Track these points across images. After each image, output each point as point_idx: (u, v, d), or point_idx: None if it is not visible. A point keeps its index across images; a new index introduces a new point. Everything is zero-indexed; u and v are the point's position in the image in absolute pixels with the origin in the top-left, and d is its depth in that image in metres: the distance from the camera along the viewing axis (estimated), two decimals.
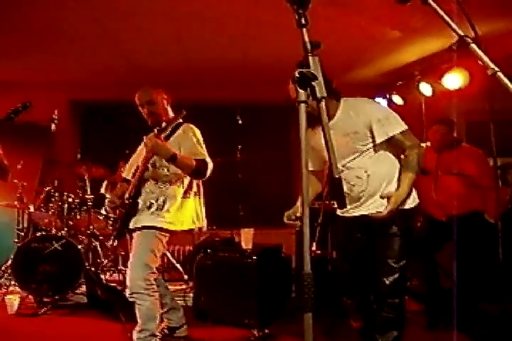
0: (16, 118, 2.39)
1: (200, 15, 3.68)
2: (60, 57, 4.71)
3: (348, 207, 2.22)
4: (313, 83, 1.03)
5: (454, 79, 4.04)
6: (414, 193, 2.35)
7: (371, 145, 2.23)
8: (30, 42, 4.26)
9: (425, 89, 4.51)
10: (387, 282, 2.24)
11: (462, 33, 1.02)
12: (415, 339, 3.06)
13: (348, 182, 2.24)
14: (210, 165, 2.65)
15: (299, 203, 2.33)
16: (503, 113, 3.12)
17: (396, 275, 2.24)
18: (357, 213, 2.28)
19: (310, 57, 1.05)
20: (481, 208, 3.34)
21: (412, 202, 2.31)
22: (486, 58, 0.96)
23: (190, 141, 2.65)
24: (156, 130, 2.66)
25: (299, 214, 2.31)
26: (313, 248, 3.46)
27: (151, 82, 5.14)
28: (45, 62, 4.85)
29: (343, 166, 2.26)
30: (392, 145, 2.24)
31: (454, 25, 1.04)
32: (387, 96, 4.95)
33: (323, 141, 1.92)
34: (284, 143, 5.75)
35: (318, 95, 1.04)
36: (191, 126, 2.76)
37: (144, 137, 2.56)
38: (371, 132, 2.19)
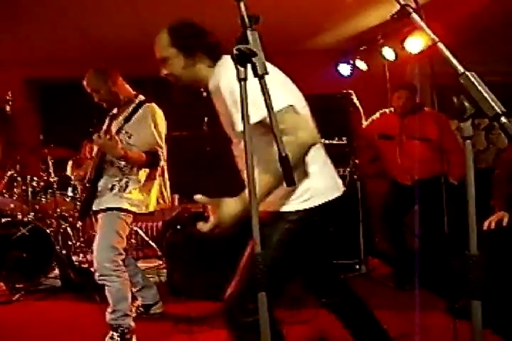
0: None
1: None
2: (13, 35, 4.47)
3: None
4: (253, 59, 1.00)
5: (416, 43, 4.03)
6: (306, 191, 1.61)
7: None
8: None
9: (388, 53, 4.48)
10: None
11: (403, 2, 1.00)
12: (385, 299, 3.17)
13: (237, 163, 1.76)
14: (163, 153, 2.66)
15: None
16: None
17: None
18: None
19: (249, 32, 1.01)
20: (445, 171, 3.41)
21: (298, 202, 1.60)
22: (426, 28, 0.95)
23: (148, 127, 2.59)
24: (108, 118, 2.61)
25: None
26: None
27: (110, 56, 4.99)
28: None
29: (234, 142, 1.73)
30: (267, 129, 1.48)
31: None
32: (351, 61, 4.91)
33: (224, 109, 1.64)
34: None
35: (259, 72, 1.01)
36: (153, 106, 2.67)
37: (94, 136, 2.49)
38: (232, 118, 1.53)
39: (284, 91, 1.52)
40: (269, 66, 1.47)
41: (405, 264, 3.48)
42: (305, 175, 1.61)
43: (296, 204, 1.61)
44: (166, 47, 1.69)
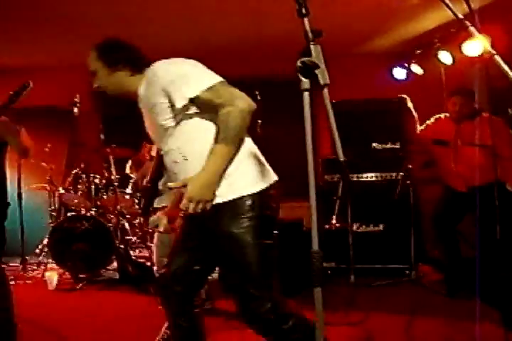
0: (17, 100, 2.26)
1: None
2: (81, 41, 4.74)
3: None
4: (315, 71, 1.07)
5: (474, 46, 3.94)
6: (249, 172, 1.66)
7: (179, 117, 1.65)
8: (50, 28, 4.36)
9: (445, 57, 4.40)
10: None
11: (461, 16, 1.04)
12: (434, 307, 3.15)
13: (171, 169, 1.78)
14: None
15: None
16: None
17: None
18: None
19: (312, 46, 1.09)
20: (502, 178, 3.33)
21: (245, 185, 1.63)
22: (484, 41, 0.99)
23: None
24: None
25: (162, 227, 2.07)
26: (333, 221, 3.54)
27: None
28: (66, 47, 4.94)
29: (164, 151, 1.79)
30: (208, 110, 1.62)
31: (453, 8, 1.06)
32: (406, 65, 4.86)
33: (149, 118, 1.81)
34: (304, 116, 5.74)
35: (321, 82, 1.09)
36: None
37: None
38: (170, 100, 1.62)
39: (211, 73, 1.65)
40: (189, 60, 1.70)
41: (457, 272, 3.43)
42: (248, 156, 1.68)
43: (249, 187, 1.64)
44: (93, 61, 1.84)
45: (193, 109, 1.63)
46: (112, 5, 3.85)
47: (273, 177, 1.75)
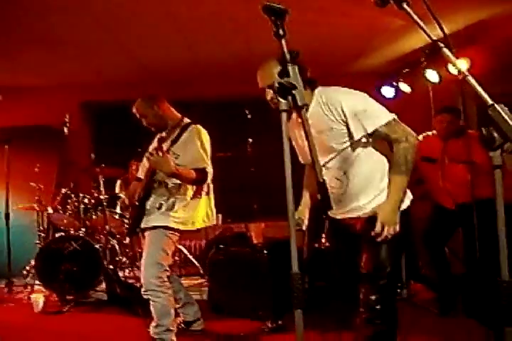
0: None
1: (202, 15, 3.75)
2: (71, 61, 4.82)
3: (334, 208, 2.01)
4: (293, 92, 1.08)
5: (460, 64, 4.00)
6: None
7: (349, 142, 1.93)
8: (42, 49, 4.38)
9: (431, 75, 4.47)
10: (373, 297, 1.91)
11: (435, 38, 1.06)
12: (427, 326, 3.11)
13: (328, 183, 1.95)
14: (210, 170, 2.76)
15: (301, 206, 2.25)
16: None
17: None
18: (339, 216, 2.08)
19: (289, 67, 1.10)
20: (490, 194, 3.33)
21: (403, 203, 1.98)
22: (456, 63, 1.00)
23: (195, 146, 2.71)
24: (157, 140, 2.72)
25: (305, 219, 2.21)
26: (323, 240, 3.52)
27: (160, 81, 5.23)
28: (56, 67, 4.98)
29: (323, 166, 2.00)
30: (379, 139, 1.93)
31: (427, 30, 1.07)
32: (394, 84, 4.93)
33: (303, 139, 1.90)
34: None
35: (299, 103, 1.09)
36: (198, 127, 2.80)
37: (147, 153, 2.60)
38: (348, 128, 1.89)
39: (384, 108, 1.93)
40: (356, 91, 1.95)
41: (448, 289, 3.40)
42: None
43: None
44: (275, 75, 1.85)
45: (366, 139, 1.91)
46: (103, 27, 3.90)
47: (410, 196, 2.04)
